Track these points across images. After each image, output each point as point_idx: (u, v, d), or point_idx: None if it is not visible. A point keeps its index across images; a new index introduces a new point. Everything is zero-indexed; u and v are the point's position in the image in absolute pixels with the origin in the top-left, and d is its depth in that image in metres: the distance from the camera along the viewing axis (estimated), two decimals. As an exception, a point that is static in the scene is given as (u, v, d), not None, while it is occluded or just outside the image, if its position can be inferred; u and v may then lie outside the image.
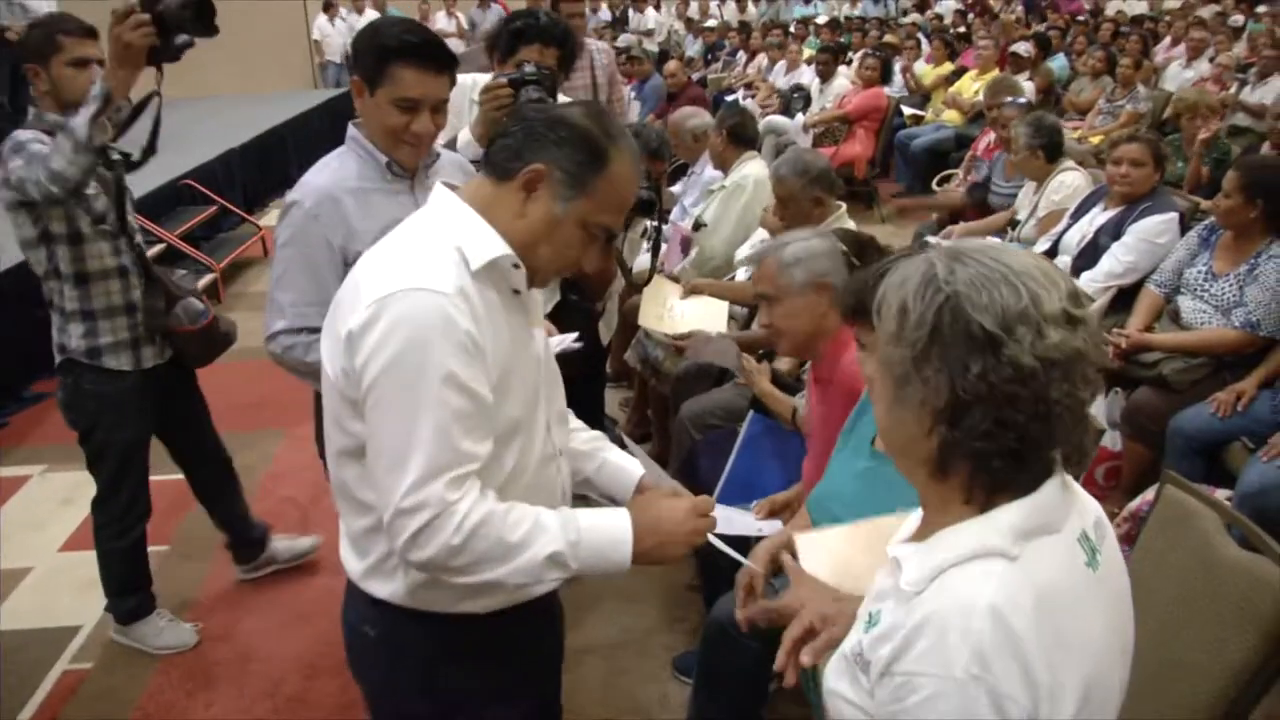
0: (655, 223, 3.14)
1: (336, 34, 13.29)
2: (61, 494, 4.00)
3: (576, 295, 3.03)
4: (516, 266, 1.43)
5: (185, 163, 7.37)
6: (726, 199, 4.37)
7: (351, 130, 2.16)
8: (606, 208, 1.43)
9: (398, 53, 2.00)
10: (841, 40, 10.53)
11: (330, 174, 2.12)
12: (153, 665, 2.93)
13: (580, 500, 1.64)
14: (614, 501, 1.69)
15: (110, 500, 2.89)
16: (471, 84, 2.92)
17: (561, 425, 1.63)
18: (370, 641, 1.55)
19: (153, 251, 5.43)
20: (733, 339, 3.39)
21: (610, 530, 1.43)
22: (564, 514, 1.43)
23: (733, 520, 2.27)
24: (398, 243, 1.43)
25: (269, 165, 8.66)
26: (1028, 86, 7.91)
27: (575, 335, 2.41)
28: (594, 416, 3.75)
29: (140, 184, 6.15)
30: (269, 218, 7.82)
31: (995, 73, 7.98)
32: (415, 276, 1.33)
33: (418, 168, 2.17)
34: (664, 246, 4.91)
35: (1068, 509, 1.09)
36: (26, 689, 2.88)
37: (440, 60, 2.04)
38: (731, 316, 3.74)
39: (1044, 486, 1.06)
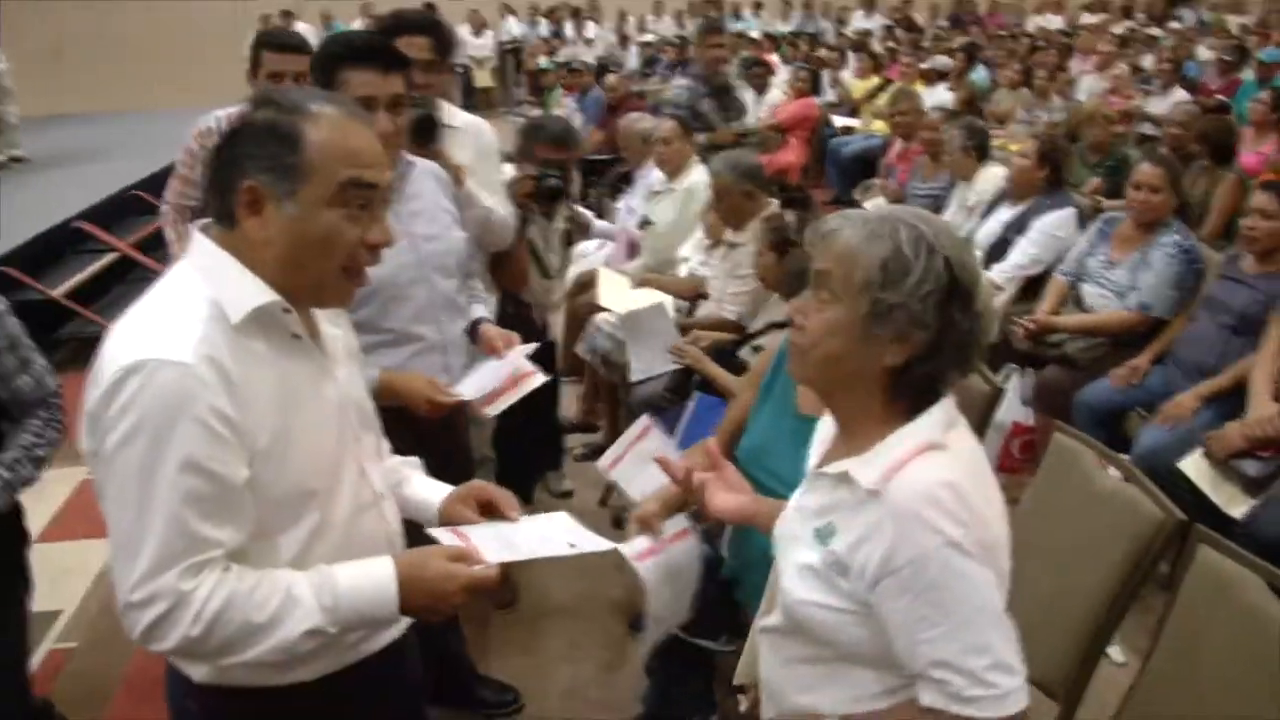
0: (574, 206, 3.33)
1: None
2: (31, 491, 4.06)
3: (514, 307, 3.17)
4: (287, 311, 1.32)
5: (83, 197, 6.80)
6: (681, 203, 4.61)
7: None
8: (338, 167, 1.28)
9: (344, 58, 2.07)
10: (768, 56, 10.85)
11: None
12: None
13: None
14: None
15: None
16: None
17: (379, 466, 1.53)
18: (195, 716, 1.44)
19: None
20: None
21: (373, 591, 1.32)
22: (319, 578, 1.31)
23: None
24: (149, 301, 1.31)
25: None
26: (949, 97, 8.35)
27: (532, 348, 2.40)
28: (547, 419, 3.95)
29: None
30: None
31: (919, 85, 8.41)
32: (155, 345, 1.22)
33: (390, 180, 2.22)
34: (598, 242, 5.15)
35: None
36: (14, 668, 3.02)
37: (386, 60, 2.09)
38: (675, 309, 4.01)
39: (945, 391, 1.34)
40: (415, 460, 1.71)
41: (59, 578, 3.45)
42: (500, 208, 2.83)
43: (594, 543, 1.54)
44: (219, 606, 1.24)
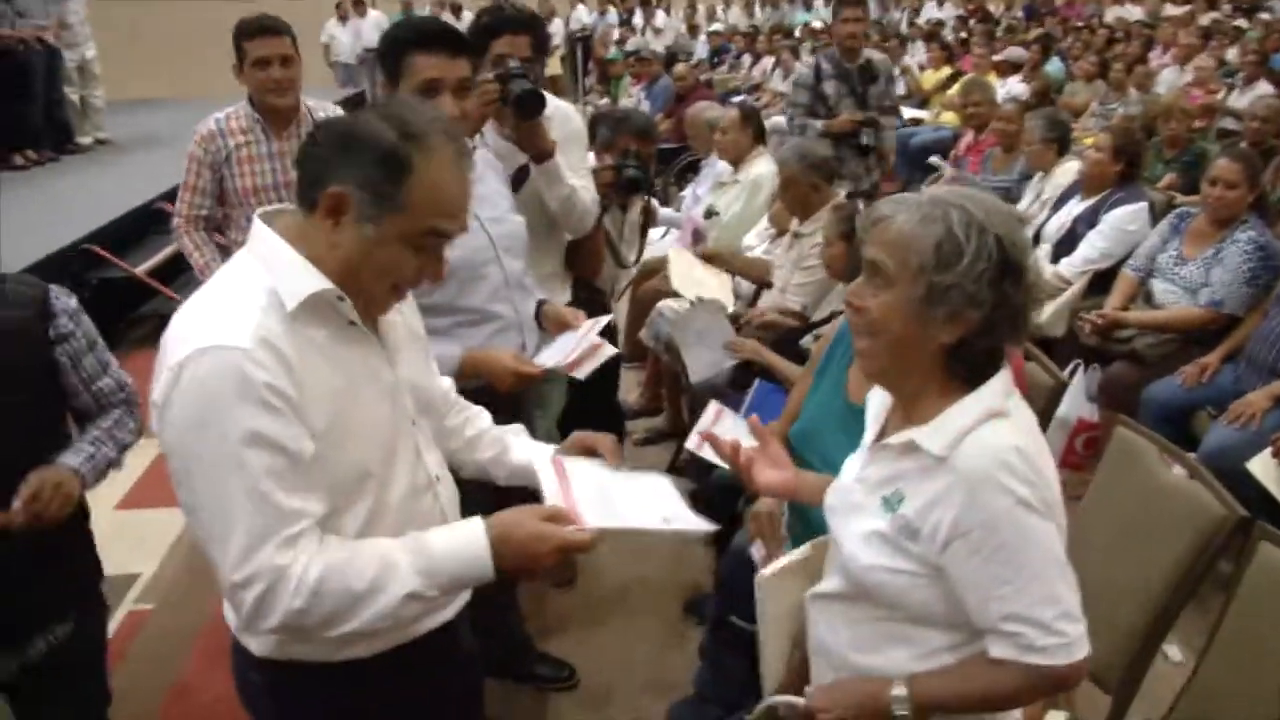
0: (649, 199, 3.36)
1: (345, 35, 13.68)
2: (111, 460, 4.27)
3: (586, 292, 3.17)
4: (341, 299, 1.33)
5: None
6: (747, 195, 4.63)
7: None
8: (428, 214, 1.31)
9: (411, 43, 2.12)
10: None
11: None
12: (210, 600, 3.20)
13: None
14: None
15: None
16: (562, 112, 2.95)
17: (436, 449, 1.56)
18: (257, 688, 1.49)
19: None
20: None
21: (467, 554, 1.35)
22: (413, 543, 1.35)
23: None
24: (208, 290, 1.35)
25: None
26: (1023, 89, 8.21)
27: (607, 319, 2.46)
28: (609, 402, 3.99)
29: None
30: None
31: (992, 77, 8.29)
32: (210, 333, 1.25)
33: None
34: (663, 229, 5.19)
35: None
36: (95, 627, 3.17)
37: (453, 43, 2.13)
38: (737, 295, 4.04)
39: (1002, 360, 1.39)
40: (517, 426, 1.77)
41: (140, 541, 3.60)
42: (585, 191, 2.84)
43: (689, 521, 1.52)
44: (318, 576, 1.26)
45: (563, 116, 2.94)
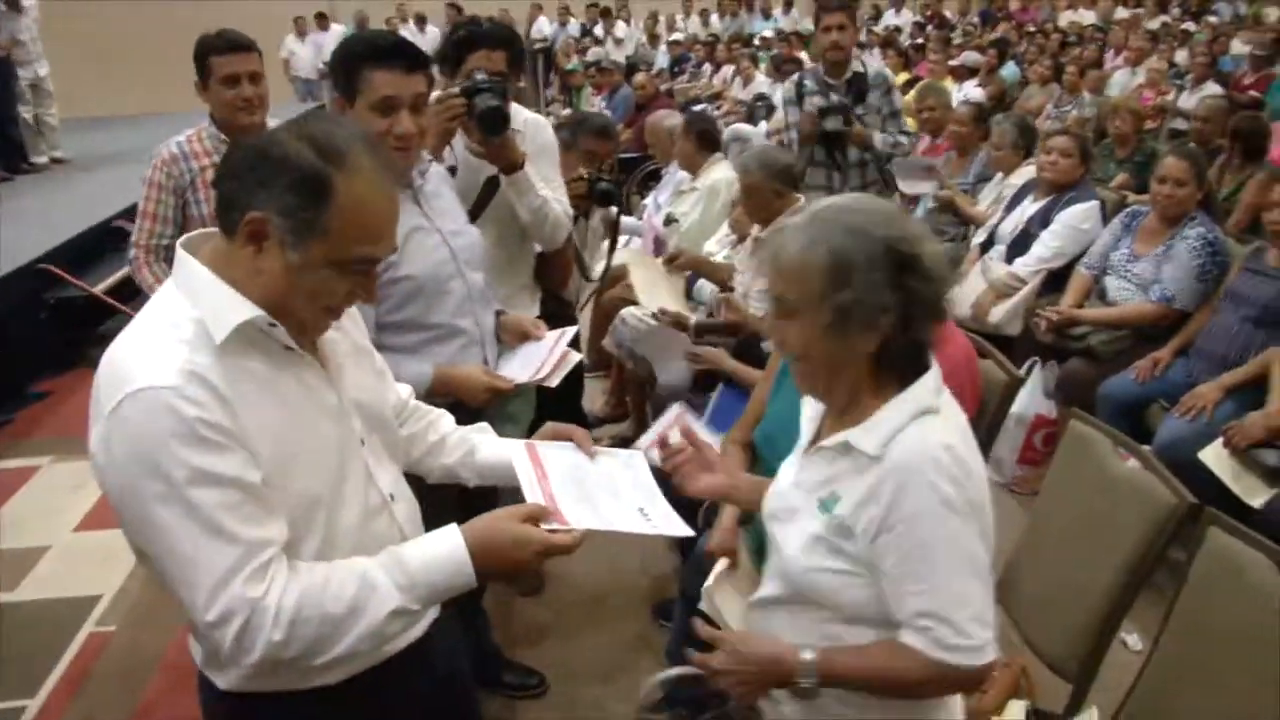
0: (615, 211, 3.41)
1: (304, 50, 13.63)
2: (70, 482, 4.22)
3: (555, 305, 3.16)
4: (273, 325, 1.28)
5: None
6: (703, 203, 4.67)
7: None
8: (353, 240, 1.25)
9: (367, 58, 2.04)
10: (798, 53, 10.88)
11: None
12: (175, 623, 3.17)
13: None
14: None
15: None
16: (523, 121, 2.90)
17: (389, 467, 1.51)
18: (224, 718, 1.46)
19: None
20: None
21: (447, 565, 1.33)
22: (388, 559, 1.32)
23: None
24: (135, 328, 1.30)
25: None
26: (979, 93, 8.32)
27: (575, 330, 2.46)
28: (574, 410, 3.99)
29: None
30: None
31: (948, 82, 8.40)
32: (138, 374, 1.20)
33: (413, 177, 2.18)
34: (625, 238, 5.20)
35: None
36: (57, 649, 3.14)
37: (409, 59, 2.06)
38: (700, 303, 4.07)
39: (930, 356, 1.41)
40: (483, 424, 1.76)
41: (100, 562, 3.56)
42: (558, 203, 2.81)
43: (669, 521, 1.53)
44: (295, 605, 1.23)
45: (533, 130, 2.92)
